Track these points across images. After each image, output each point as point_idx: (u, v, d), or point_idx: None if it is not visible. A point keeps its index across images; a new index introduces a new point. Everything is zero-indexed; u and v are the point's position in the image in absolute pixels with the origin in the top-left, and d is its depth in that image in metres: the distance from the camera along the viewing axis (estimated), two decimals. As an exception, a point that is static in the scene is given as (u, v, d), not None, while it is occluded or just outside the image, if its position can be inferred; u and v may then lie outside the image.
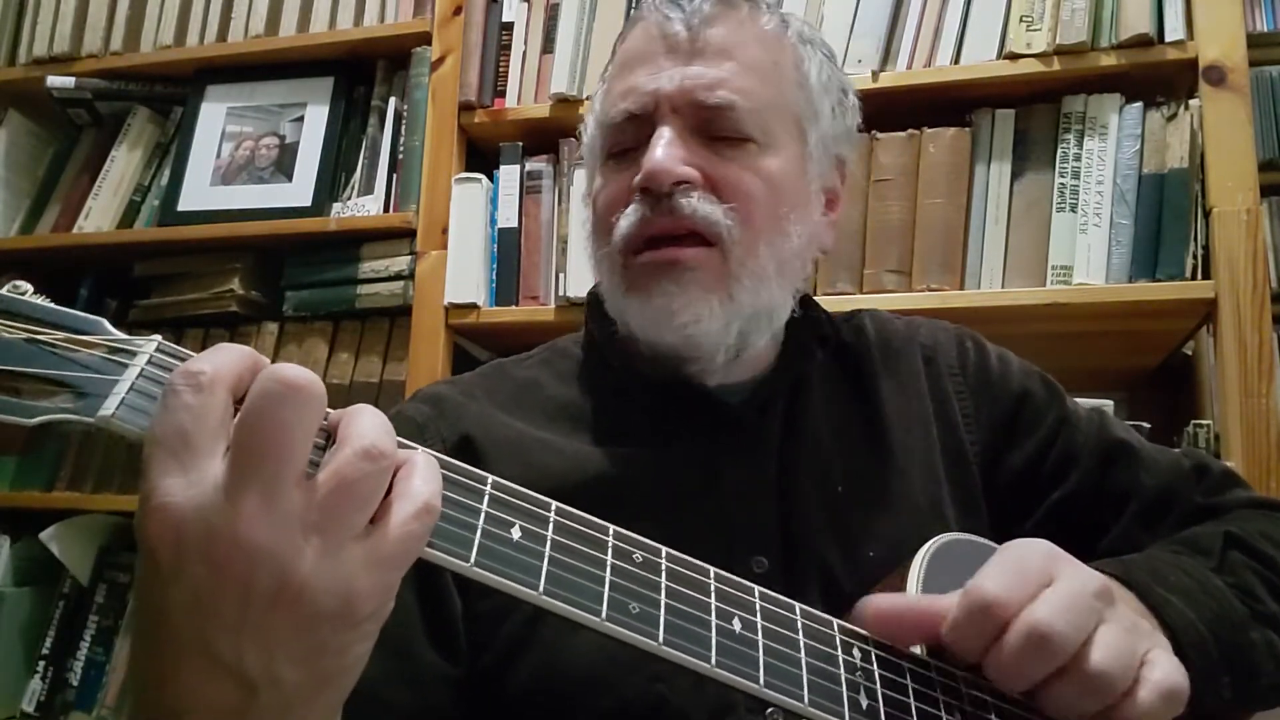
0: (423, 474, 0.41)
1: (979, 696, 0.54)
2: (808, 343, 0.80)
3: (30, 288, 0.41)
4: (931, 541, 0.63)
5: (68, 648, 1.57)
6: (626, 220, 0.73)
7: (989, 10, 1.33)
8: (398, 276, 1.51)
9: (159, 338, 0.42)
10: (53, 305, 0.41)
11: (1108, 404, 1.22)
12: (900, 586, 0.60)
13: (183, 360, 0.40)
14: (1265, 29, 1.94)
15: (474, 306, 1.45)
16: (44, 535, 1.57)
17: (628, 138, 0.76)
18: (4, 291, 0.40)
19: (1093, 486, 0.77)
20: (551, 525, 0.46)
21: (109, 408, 0.39)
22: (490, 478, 0.45)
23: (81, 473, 1.62)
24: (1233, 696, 0.61)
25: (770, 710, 0.63)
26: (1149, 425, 1.24)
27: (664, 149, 0.71)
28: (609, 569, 0.46)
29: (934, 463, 0.77)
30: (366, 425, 0.40)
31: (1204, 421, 1.23)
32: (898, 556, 0.63)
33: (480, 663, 0.68)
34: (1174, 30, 1.26)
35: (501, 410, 0.77)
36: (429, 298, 1.47)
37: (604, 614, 0.44)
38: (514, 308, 1.45)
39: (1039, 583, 0.51)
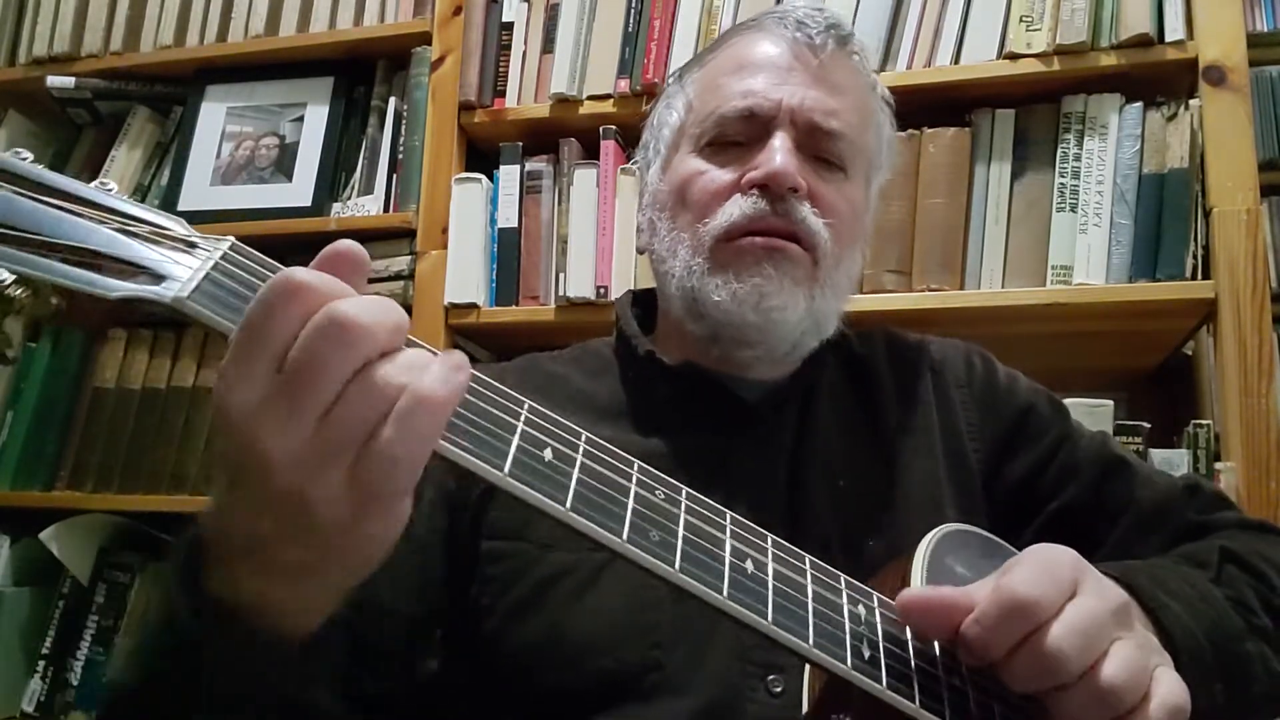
0: (432, 378, 0.42)
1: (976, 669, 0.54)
2: (822, 352, 0.85)
3: (116, 186, 0.45)
4: (935, 530, 0.64)
5: (68, 648, 1.57)
6: (736, 209, 0.78)
7: (989, 10, 1.33)
8: (398, 276, 1.51)
9: (233, 238, 0.46)
10: (139, 204, 0.45)
11: (1107, 404, 1.22)
12: (905, 572, 0.60)
13: (254, 262, 0.45)
14: (1265, 29, 1.93)
15: (474, 306, 1.45)
16: (44, 535, 1.57)
17: (737, 133, 0.81)
18: (95, 186, 0.44)
19: (1090, 498, 0.80)
20: (581, 451, 0.48)
21: (183, 291, 0.42)
22: (527, 402, 0.48)
23: (81, 473, 1.61)
24: (1225, 704, 0.62)
25: (771, 678, 0.66)
26: (1149, 425, 1.24)
27: (785, 156, 0.77)
28: (632, 496, 0.48)
29: (936, 467, 0.80)
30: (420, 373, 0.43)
31: (1204, 421, 1.23)
32: (897, 549, 0.64)
33: (486, 626, 0.71)
34: (1174, 30, 1.26)
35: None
36: (429, 298, 1.46)
37: (625, 535, 0.46)
38: (514, 308, 1.45)
39: (1066, 592, 0.52)
